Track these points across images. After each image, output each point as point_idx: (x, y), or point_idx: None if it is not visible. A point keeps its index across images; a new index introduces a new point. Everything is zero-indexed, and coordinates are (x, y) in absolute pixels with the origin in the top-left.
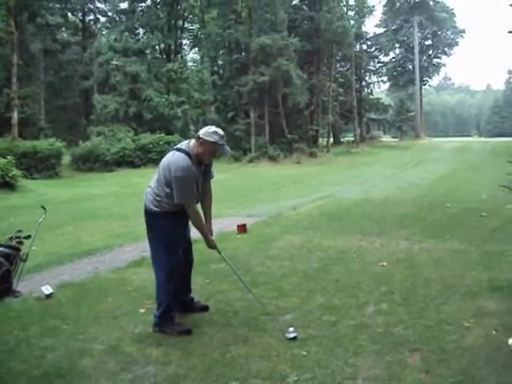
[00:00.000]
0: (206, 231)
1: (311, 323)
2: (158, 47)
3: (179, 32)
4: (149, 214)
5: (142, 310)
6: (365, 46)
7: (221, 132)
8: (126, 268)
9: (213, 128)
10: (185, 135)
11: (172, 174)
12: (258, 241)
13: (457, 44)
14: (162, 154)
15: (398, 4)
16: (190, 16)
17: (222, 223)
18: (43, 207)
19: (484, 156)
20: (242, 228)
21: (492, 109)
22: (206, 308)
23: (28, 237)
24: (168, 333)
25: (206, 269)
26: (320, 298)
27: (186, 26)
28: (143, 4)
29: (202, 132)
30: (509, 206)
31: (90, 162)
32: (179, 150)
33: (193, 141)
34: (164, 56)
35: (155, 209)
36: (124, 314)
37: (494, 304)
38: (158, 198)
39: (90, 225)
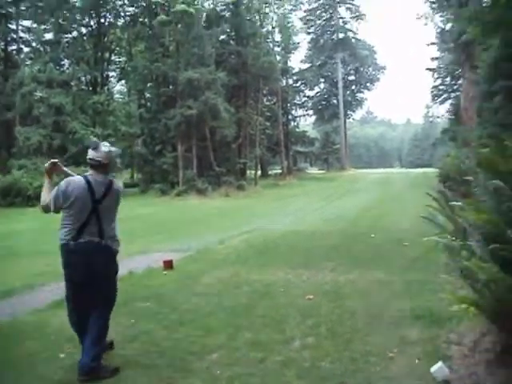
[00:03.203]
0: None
1: (238, 361)
2: (83, 79)
3: (106, 64)
4: None
5: (62, 355)
6: (291, 81)
7: (99, 147)
8: (46, 309)
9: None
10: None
11: None
12: (184, 277)
13: (378, 80)
14: None
15: (321, 41)
16: (117, 48)
17: (148, 259)
18: None
19: (406, 187)
20: (169, 264)
21: (412, 141)
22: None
23: None
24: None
25: (130, 308)
26: (247, 334)
27: (112, 58)
28: (69, 35)
29: None
30: (425, 239)
31: (11, 197)
32: None
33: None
34: (90, 88)
35: None
36: (42, 359)
37: (416, 332)
38: None
39: (10, 263)
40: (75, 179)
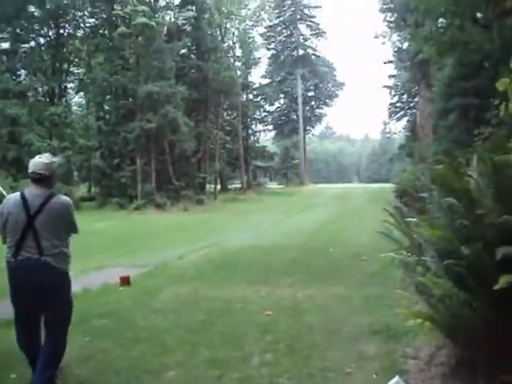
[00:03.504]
0: None
1: (196, 379)
2: (40, 90)
3: (64, 75)
4: None
5: (13, 376)
6: (251, 96)
7: (37, 160)
8: None
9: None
10: (68, 182)
11: None
12: (142, 293)
13: (337, 96)
14: None
15: (282, 57)
16: (76, 60)
17: (105, 275)
18: None
19: (364, 201)
20: (125, 280)
21: (370, 156)
22: None
23: None
24: None
25: (86, 326)
26: (205, 352)
27: (71, 69)
28: (26, 45)
29: None
30: (382, 255)
31: None
32: None
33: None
34: (47, 99)
35: None
36: None
37: (374, 348)
38: None
39: None
40: (11, 196)
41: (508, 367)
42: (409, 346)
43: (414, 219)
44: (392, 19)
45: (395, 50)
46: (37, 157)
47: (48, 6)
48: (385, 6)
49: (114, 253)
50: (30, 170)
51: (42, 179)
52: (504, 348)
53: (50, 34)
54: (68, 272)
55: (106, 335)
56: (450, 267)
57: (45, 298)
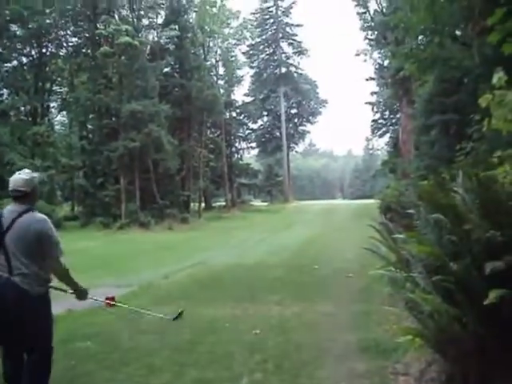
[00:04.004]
0: None
1: None
2: (23, 109)
3: (47, 94)
4: None
5: None
6: (234, 114)
7: (17, 176)
8: None
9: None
10: (51, 201)
11: None
12: (127, 314)
13: (320, 113)
14: None
15: (264, 75)
16: (59, 79)
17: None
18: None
19: (348, 217)
20: (111, 300)
21: (353, 172)
22: None
23: None
24: None
25: (70, 348)
26: (193, 372)
27: (54, 88)
28: (9, 64)
29: None
30: (371, 272)
31: None
32: None
33: None
34: (30, 118)
35: None
36: None
37: (363, 365)
38: None
39: None
40: None
41: (498, 382)
42: (399, 362)
43: (401, 235)
44: (373, 37)
45: (376, 67)
46: (16, 173)
47: (30, 25)
48: (366, 25)
49: (98, 272)
50: (10, 188)
51: (23, 196)
52: (494, 362)
53: (33, 53)
54: (43, 294)
55: (90, 357)
56: (439, 283)
57: (16, 321)
